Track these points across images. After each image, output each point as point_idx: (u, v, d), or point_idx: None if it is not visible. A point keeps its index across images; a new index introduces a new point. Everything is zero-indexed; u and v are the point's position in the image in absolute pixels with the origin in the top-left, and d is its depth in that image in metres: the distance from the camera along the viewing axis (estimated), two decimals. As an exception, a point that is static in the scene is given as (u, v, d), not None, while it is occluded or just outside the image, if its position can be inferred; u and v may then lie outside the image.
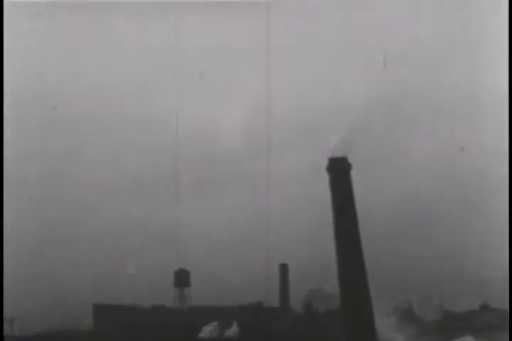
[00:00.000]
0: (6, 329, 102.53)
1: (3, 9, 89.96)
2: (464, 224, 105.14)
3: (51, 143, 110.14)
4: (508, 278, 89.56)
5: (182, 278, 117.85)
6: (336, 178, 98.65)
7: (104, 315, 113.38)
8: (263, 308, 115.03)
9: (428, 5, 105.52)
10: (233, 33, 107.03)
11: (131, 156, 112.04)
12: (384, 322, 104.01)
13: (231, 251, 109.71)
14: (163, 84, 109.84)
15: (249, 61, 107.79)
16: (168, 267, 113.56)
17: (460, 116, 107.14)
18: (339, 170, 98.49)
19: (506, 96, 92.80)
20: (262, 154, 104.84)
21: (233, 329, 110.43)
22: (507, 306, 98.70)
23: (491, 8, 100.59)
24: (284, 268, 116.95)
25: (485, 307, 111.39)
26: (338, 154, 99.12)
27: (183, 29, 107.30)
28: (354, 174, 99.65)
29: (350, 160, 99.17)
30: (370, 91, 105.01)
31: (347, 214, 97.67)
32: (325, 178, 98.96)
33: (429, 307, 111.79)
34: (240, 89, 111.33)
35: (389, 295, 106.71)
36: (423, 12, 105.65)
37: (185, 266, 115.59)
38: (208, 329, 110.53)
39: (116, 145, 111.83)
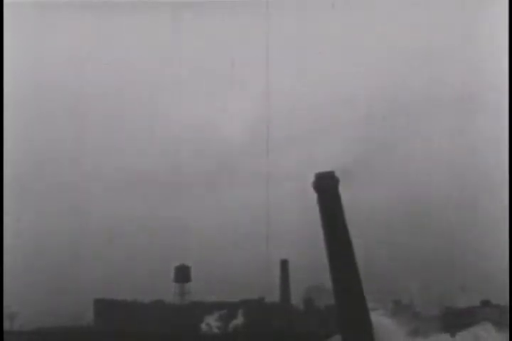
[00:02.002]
0: (6, 326, 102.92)
1: (3, 9, 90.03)
2: (465, 221, 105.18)
3: (52, 142, 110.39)
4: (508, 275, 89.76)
5: (182, 274, 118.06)
6: (324, 196, 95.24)
7: (105, 310, 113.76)
8: (264, 303, 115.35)
9: (428, 5, 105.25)
10: (233, 33, 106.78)
11: (132, 154, 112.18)
12: (383, 317, 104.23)
13: (232, 247, 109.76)
14: (163, 83, 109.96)
15: (249, 60, 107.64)
16: (169, 262, 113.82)
17: (460, 116, 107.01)
18: (327, 187, 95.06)
19: (506, 95, 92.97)
20: (262, 153, 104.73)
21: (239, 320, 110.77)
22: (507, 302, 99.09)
23: (491, 7, 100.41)
24: (284, 264, 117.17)
25: (486, 304, 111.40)
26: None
27: (182, 29, 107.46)
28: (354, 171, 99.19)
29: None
30: (369, 89, 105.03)
31: (339, 235, 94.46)
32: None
33: (430, 303, 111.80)
34: (240, 88, 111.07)
35: (390, 290, 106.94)
36: (423, 12, 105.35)
37: (186, 261, 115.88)
38: (211, 319, 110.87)
39: (117, 143, 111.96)
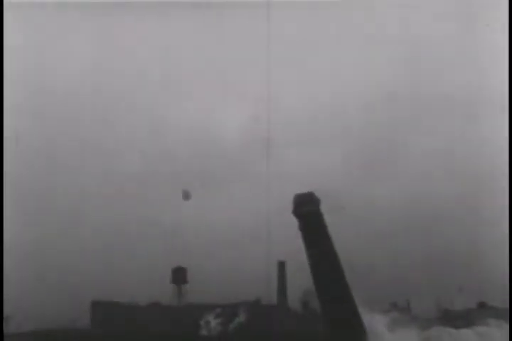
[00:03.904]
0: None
1: (3, 9, 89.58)
2: (464, 223, 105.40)
3: (53, 142, 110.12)
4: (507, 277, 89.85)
5: (179, 276, 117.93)
6: (306, 223, 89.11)
7: (102, 312, 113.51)
8: (261, 305, 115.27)
9: (428, 5, 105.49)
10: (233, 33, 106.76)
11: (132, 155, 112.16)
12: (381, 320, 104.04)
13: (230, 249, 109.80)
14: (163, 83, 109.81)
15: (249, 60, 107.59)
16: (166, 264, 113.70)
17: (461, 115, 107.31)
18: (307, 213, 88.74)
19: (506, 95, 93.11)
20: (262, 154, 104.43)
21: (241, 317, 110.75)
22: (506, 305, 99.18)
23: (491, 7, 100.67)
24: (282, 266, 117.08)
25: (483, 306, 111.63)
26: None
27: (182, 28, 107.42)
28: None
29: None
30: (370, 89, 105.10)
31: (328, 263, 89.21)
32: (326, 177, 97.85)
33: (427, 305, 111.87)
34: (240, 88, 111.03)
35: (387, 293, 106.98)
36: (422, 12, 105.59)
37: (183, 263, 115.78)
38: (211, 317, 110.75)
39: (117, 145, 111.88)
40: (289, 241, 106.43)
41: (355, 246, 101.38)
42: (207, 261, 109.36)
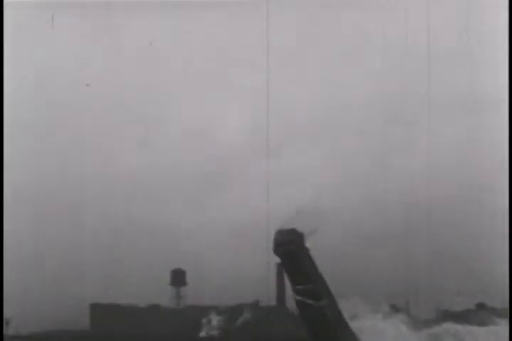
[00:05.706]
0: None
1: (3, 9, 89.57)
2: (463, 224, 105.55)
3: (52, 143, 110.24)
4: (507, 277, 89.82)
5: (178, 278, 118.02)
6: (288, 262, 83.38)
7: (101, 314, 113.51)
8: (259, 307, 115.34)
9: (429, 6, 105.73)
10: (233, 33, 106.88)
11: (131, 155, 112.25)
12: (382, 323, 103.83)
13: (229, 251, 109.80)
14: (163, 83, 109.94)
15: (249, 61, 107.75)
16: (165, 266, 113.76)
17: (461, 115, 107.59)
18: (289, 251, 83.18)
19: (506, 95, 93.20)
20: (261, 156, 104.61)
21: (244, 317, 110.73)
22: (506, 305, 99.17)
23: (491, 7, 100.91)
24: (280, 268, 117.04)
25: (482, 307, 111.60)
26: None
27: (182, 29, 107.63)
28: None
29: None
30: (369, 90, 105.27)
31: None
32: (328, 176, 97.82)
33: (426, 307, 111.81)
34: (240, 89, 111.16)
35: (386, 294, 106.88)
36: (424, 14, 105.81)
37: (181, 265, 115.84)
38: (213, 315, 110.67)
39: (116, 146, 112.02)
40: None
41: (353, 247, 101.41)
42: (205, 262, 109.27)
